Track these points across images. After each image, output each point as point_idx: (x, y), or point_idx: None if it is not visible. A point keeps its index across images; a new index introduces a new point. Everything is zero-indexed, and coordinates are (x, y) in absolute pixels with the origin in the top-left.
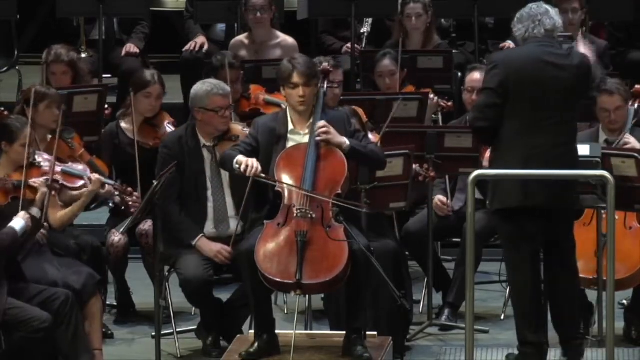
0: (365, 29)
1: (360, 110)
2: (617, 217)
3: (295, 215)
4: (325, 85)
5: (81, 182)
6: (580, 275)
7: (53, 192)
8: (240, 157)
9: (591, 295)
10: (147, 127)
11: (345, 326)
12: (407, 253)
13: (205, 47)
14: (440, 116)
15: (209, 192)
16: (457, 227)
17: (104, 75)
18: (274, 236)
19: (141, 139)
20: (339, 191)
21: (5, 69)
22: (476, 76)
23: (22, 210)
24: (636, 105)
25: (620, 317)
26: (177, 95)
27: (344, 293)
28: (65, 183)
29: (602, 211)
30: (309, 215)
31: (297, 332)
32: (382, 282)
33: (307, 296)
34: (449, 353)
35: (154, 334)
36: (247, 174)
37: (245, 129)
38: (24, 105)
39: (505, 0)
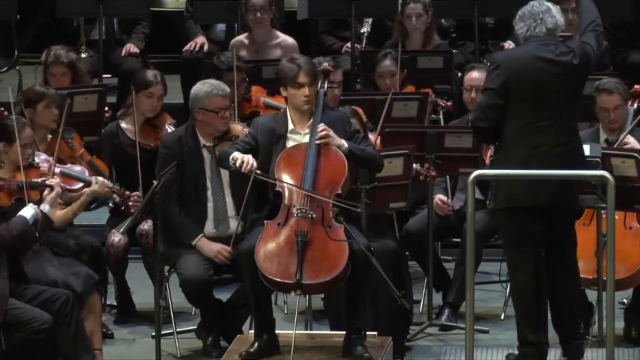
0: (365, 29)
1: (360, 110)
2: (617, 217)
3: (295, 215)
4: (326, 86)
5: (79, 185)
6: (581, 275)
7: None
8: (237, 154)
9: (591, 295)
10: (148, 128)
11: (345, 326)
12: (407, 253)
13: (205, 47)
14: (441, 116)
15: (209, 192)
16: (457, 227)
17: (104, 75)
18: (274, 236)
19: (142, 140)
20: (339, 191)
21: (5, 69)
22: (475, 75)
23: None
24: (636, 105)
25: (620, 317)
26: (177, 95)
27: (344, 293)
28: (63, 185)
29: (602, 211)
30: (309, 215)
31: (297, 332)
32: (382, 282)
33: (307, 296)
34: (449, 353)
35: (154, 334)
36: (243, 170)
37: (245, 129)
38: (23, 106)
39: (505, 0)
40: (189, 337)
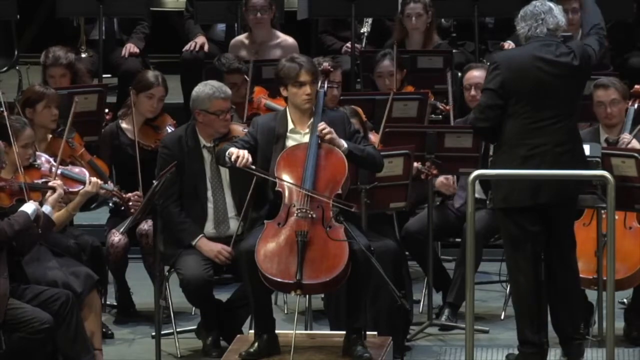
0: (365, 29)
1: (360, 111)
2: (617, 217)
3: (295, 215)
4: (326, 86)
5: (79, 187)
6: (580, 275)
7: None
8: (232, 149)
9: (591, 295)
10: (149, 129)
11: (345, 326)
12: (407, 253)
13: (205, 47)
14: (441, 118)
15: (209, 193)
16: (457, 227)
17: (104, 75)
18: (274, 236)
19: (142, 140)
20: (339, 191)
21: (5, 69)
22: (474, 74)
23: None
24: (636, 105)
25: (620, 317)
26: (177, 95)
27: (344, 293)
28: (65, 187)
29: (602, 211)
30: (310, 215)
31: (297, 332)
32: (382, 282)
33: (307, 296)
34: (449, 353)
35: (154, 334)
36: (238, 165)
37: (245, 130)
38: (22, 106)
39: (505, 0)
40: (189, 337)
